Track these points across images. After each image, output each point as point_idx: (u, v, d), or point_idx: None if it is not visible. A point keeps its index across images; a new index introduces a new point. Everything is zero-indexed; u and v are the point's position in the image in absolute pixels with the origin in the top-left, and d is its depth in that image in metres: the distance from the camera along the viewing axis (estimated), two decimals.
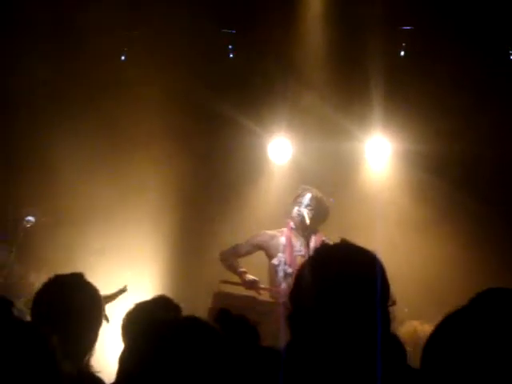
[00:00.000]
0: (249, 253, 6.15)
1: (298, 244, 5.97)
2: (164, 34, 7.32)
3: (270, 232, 6.12)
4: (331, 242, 5.76)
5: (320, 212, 6.03)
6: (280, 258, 5.93)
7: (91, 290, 2.82)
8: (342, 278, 1.78)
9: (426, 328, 5.77)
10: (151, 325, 1.67)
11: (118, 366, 2.13)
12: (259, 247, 6.11)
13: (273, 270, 5.95)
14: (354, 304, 1.76)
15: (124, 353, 1.82)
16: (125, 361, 1.71)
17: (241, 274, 5.86)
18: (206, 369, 1.36)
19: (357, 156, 8.13)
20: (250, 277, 5.85)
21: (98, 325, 2.79)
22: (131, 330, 2.38)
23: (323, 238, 5.90)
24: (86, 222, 7.06)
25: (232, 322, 2.18)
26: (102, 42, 7.46)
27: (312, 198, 6.02)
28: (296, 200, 6.07)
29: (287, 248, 5.95)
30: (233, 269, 5.99)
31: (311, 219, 5.92)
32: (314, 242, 5.90)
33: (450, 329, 1.59)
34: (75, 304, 2.72)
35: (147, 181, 7.37)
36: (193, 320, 1.67)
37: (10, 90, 7.14)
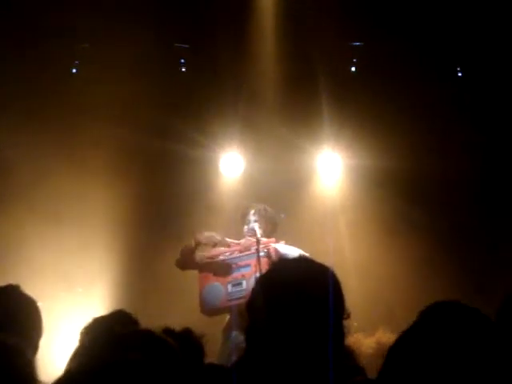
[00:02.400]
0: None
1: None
2: (115, 46, 7.28)
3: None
4: (283, 247, 5.86)
5: (268, 222, 6.08)
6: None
7: (27, 301, 2.80)
8: (295, 292, 1.80)
9: (368, 341, 5.83)
10: (108, 337, 1.67)
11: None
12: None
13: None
14: (306, 319, 1.77)
15: (74, 365, 1.82)
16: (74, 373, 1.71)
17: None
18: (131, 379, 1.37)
19: (309, 170, 8.19)
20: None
21: (37, 335, 2.75)
22: (88, 344, 2.36)
23: (273, 245, 5.93)
24: (32, 236, 6.97)
25: (176, 337, 2.18)
26: (53, 52, 7.40)
27: (255, 212, 6.08)
28: (243, 219, 6.12)
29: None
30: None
31: (262, 232, 5.96)
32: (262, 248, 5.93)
33: (403, 349, 1.62)
34: (11, 315, 2.70)
35: (95, 194, 7.31)
36: (149, 334, 1.68)
37: None
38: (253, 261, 5.75)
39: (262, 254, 5.68)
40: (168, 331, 2.22)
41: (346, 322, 1.91)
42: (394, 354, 1.61)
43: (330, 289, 1.81)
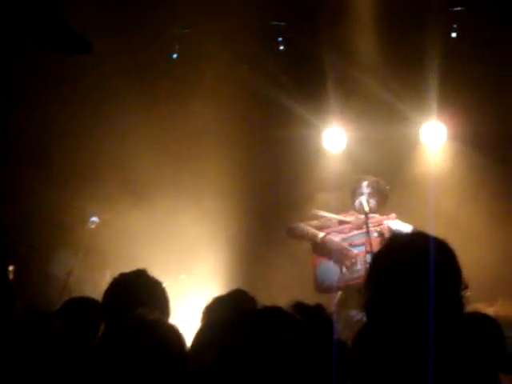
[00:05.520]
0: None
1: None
2: (215, 28, 7.36)
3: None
4: (395, 224, 5.85)
5: (380, 195, 6.12)
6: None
7: (155, 285, 2.91)
8: (409, 270, 1.82)
9: (489, 311, 5.77)
10: (233, 315, 1.72)
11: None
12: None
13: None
14: (422, 294, 1.79)
15: (200, 344, 1.89)
16: (201, 352, 1.77)
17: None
18: (287, 357, 1.40)
19: (412, 141, 8.07)
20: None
21: (166, 316, 2.87)
22: (212, 322, 2.44)
23: (386, 222, 5.94)
24: (146, 221, 7.17)
25: (309, 312, 2.23)
26: (153, 40, 7.55)
27: (368, 185, 6.11)
28: (355, 192, 6.15)
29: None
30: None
31: (372, 206, 5.98)
32: (375, 227, 5.93)
33: None
34: (140, 299, 2.81)
35: (201, 173, 7.45)
36: (275, 310, 1.73)
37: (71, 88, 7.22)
38: (366, 239, 5.76)
39: (375, 234, 5.70)
40: (299, 306, 2.28)
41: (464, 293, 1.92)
42: None
43: (447, 260, 1.82)
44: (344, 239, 6.01)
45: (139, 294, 2.82)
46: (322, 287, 5.95)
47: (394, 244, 1.94)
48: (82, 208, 6.89)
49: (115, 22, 7.09)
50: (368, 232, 5.73)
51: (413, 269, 1.82)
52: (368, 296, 1.86)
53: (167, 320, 2.81)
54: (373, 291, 1.86)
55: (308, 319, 2.16)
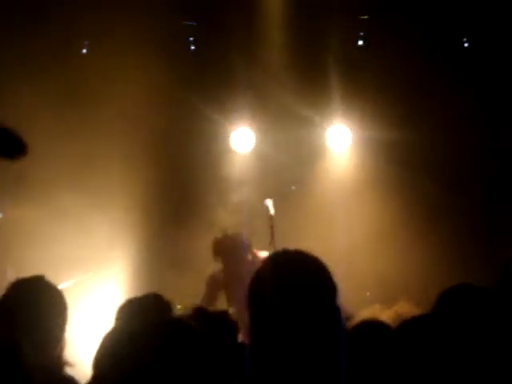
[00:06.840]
0: (215, 296, 6.15)
1: None
2: (126, 24, 7.31)
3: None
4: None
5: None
6: None
7: (51, 292, 2.93)
8: (294, 285, 1.91)
9: (387, 312, 5.94)
10: (142, 322, 1.77)
11: (94, 367, 2.23)
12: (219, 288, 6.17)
13: None
14: (305, 307, 1.89)
15: (105, 354, 1.92)
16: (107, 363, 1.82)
17: None
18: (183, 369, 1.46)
19: (319, 144, 8.23)
20: None
21: (62, 322, 2.89)
22: (120, 329, 2.47)
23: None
24: (54, 220, 7.06)
25: (211, 320, 2.29)
26: (60, 36, 7.44)
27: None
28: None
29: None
30: None
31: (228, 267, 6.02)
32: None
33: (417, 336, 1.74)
34: (37, 306, 2.84)
35: (106, 175, 7.36)
36: (176, 322, 1.78)
37: None
38: None
39: None
40: (201, 313, 2.33)
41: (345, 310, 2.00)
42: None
43: (324, 279, 1.92)
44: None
45: (36, 301, 2.83)
46: None
47: (274, 263, 2.00)
48: None
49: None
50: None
51: (288, 287, 1.91)
52: (251, 305, 1.92)
53: (64, 327, 2.84)
54: (255, 302, 1.92)
55: (210, 327, 2.22)
